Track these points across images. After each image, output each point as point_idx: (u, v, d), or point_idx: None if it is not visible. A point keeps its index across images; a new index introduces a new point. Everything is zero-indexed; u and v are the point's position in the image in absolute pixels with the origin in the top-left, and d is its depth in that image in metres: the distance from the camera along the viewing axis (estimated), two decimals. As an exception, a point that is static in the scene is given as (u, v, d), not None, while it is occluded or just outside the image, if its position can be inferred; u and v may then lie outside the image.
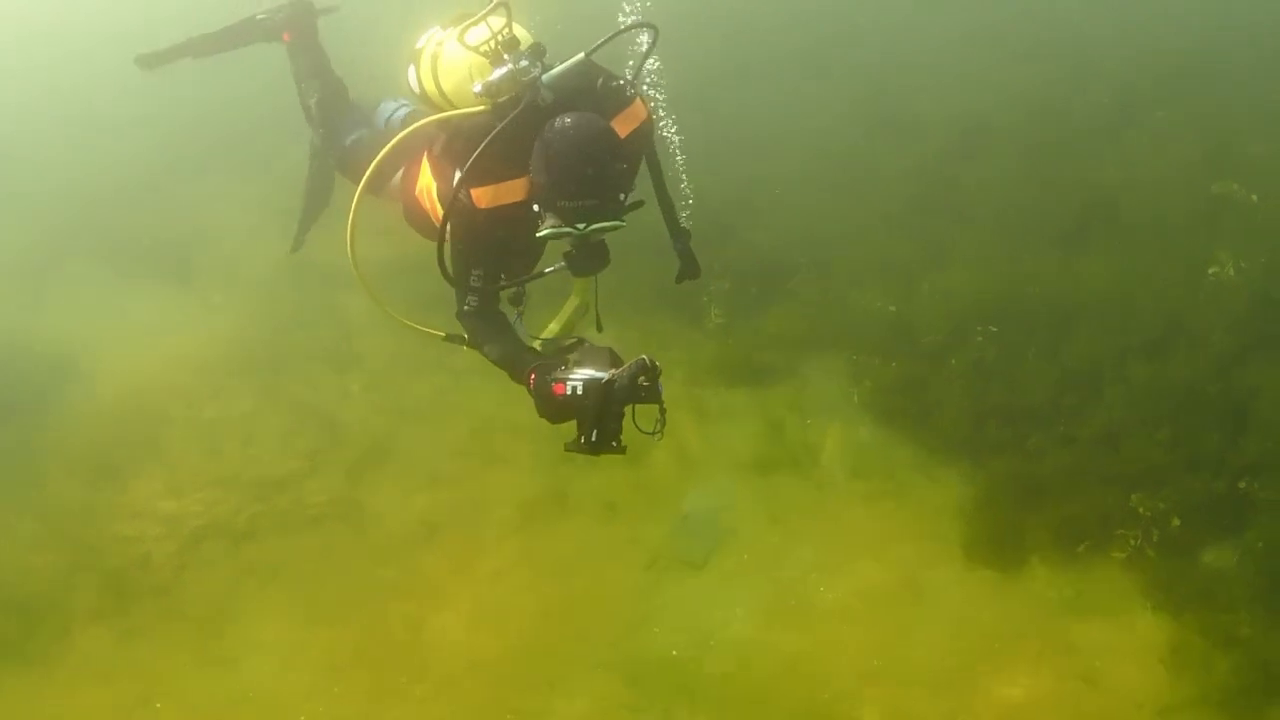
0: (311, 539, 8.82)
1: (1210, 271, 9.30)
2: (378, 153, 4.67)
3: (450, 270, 4.41)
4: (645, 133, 4.62)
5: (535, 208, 4.18)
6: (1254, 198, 9.88)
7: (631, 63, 4.65)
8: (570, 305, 5.20)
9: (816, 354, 10.16)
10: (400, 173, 5.09)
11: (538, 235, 4.19)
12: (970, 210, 11.11)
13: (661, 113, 5.98)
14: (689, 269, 5.21)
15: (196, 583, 8.52)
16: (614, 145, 4.14)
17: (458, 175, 4.26)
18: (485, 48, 4.33)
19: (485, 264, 4.47)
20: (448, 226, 4.34)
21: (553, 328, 5.11)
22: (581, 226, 4.07)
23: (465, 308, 4.55)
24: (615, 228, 4.17)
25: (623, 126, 4.38)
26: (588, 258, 4.25)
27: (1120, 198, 10.53)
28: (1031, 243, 10.43)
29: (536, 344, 4.78)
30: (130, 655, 7.99)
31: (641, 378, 4.04)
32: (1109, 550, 8.13)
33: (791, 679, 7.61)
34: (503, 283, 4.55)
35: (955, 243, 10.74)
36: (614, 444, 4.08)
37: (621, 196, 4.19)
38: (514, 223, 4.29)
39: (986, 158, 11.79)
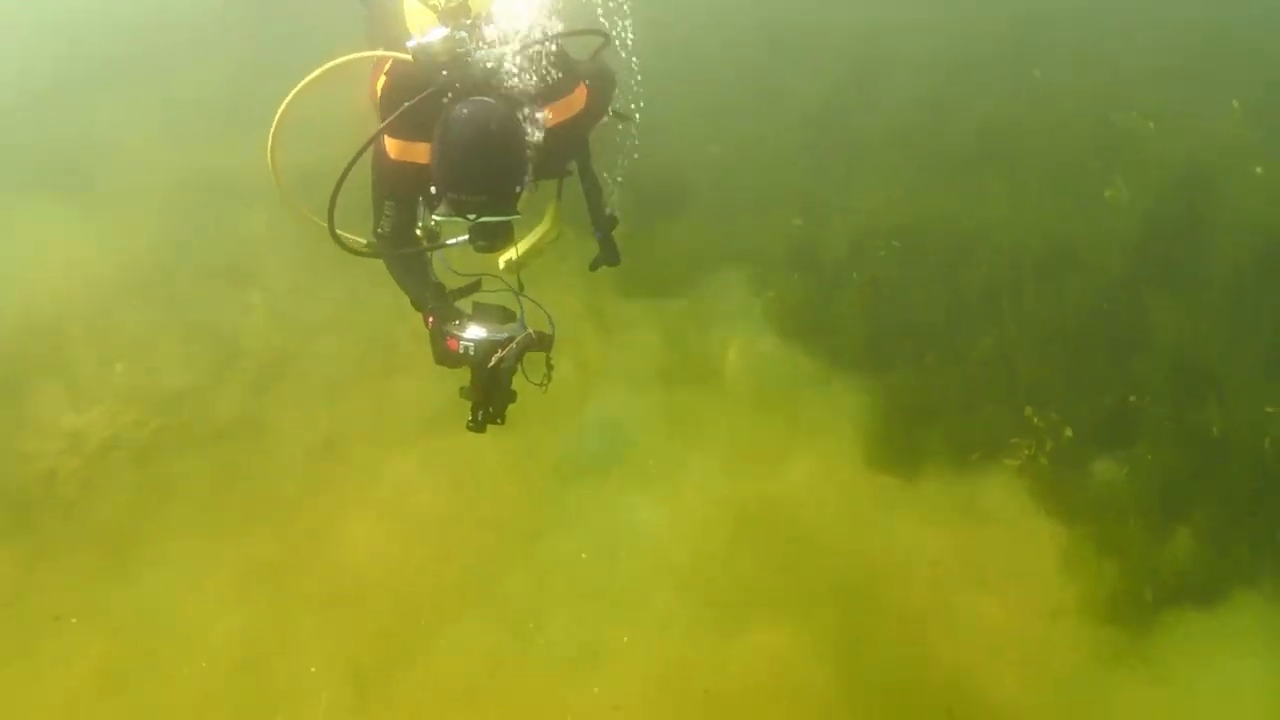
0: (215, 452, 8.87)
1: (1106, 194, 9.67)
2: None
3: (338, 189, 4.27)
4: (581, 121, 4.60)
5: (432, 189, 4.15)
6: (1150, 125, 10.20)
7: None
8: (540, 230, 5.13)
9: (717, 268, 10.35)
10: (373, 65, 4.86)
11: (432, 215, 4.25)
12: (872, 134, 11.26)
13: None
14: (608, 256, 5.27)
15: (102, 498, 8.54)
16: (507, 143, 4.05)
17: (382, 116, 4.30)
18: (436, 4, 4.26)
19: (396, 199, 4.51)
20: (361, 154, 4.29)
21: (520, 248, 4.98)
22: (471, 218, 4.10)
23: (379, 230, 4.58)
24: (505, 222, 4.18)
25: (557, 114, 4.36)
26: (488, 237, 4.25)
27: (1021, 123, 10.77)
28: (933, 166, 10.67)
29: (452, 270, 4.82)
30: (39, 573, 8.05)
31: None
32: (1002, 459, 8.55)
33: (696, 584, 7.93)
34: (408, 247, 4.55)
35: (858, 165, 10.92)
36: (498, 421, 4.43)
37: (517, 189, 4.12)
38: (420, 183, 4.26)
39: (889, 82, 11.90)
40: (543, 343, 4.38)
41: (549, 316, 4.55)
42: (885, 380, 9.15)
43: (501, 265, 4.80)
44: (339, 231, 4.40)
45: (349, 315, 9.88)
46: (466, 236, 4.28)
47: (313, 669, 7.58)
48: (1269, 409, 8.26)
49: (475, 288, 4.62)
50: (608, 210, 5.18)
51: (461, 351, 4.32)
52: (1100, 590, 7.72)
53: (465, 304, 4.54)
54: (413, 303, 4.63)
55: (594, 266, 5.33)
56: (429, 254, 4.65)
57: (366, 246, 4.67)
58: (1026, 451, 8.49)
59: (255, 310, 10.06)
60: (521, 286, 4.69)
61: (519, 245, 4.82)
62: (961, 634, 7.59)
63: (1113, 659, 7.40)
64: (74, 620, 7.78)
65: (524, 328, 4.43)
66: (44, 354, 9.51)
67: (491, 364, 4.29)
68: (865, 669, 7.42)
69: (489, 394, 4.38)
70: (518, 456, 8.62)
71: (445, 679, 7.53)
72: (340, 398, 9.28)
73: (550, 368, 4.48)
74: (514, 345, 4.30)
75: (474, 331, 4.36)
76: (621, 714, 7.30)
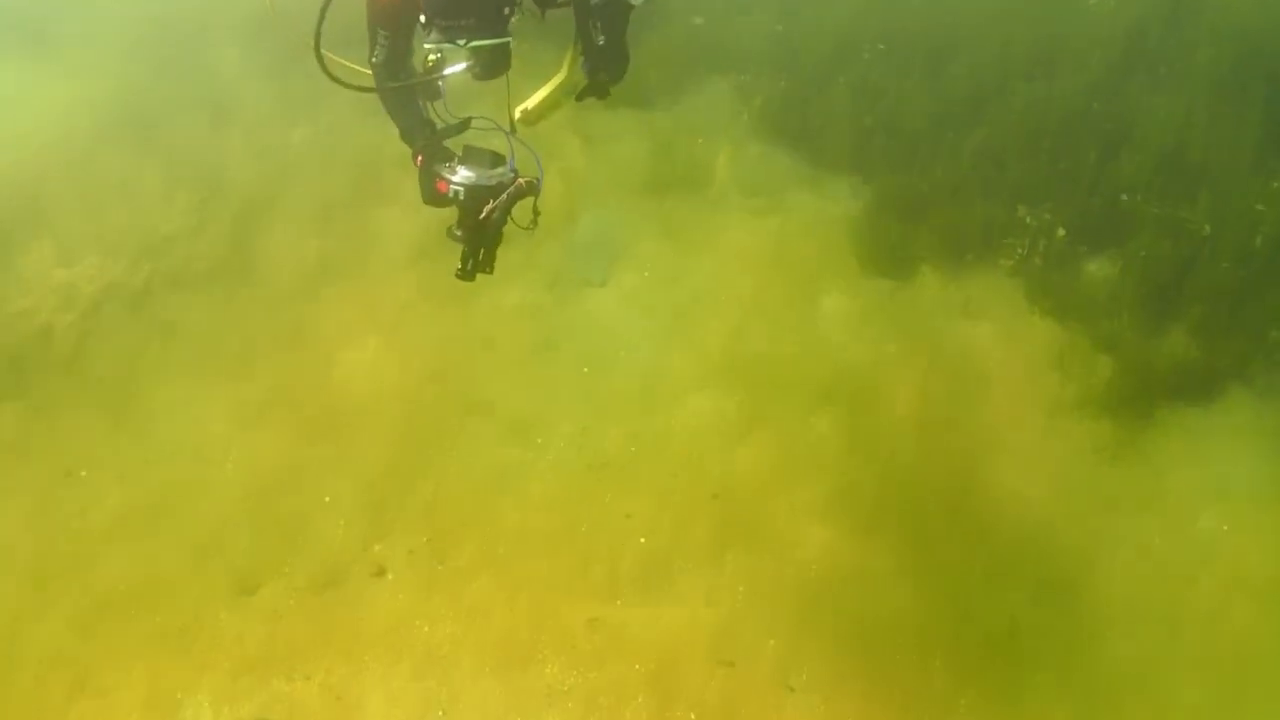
0: (208, 292, 8.83)
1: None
2: None
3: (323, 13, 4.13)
4: None
5: (422, 19, 4.02)
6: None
7: None
8: (555, 81, 5.00)
9: (703, 76, 10.04)
10: None
11: (425, 46, 4.08)
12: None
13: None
14: (595, 90, 5.03)
15: (100, 349, 8.55)
16: None
17: None
18: None
19: (389, 29, 4.37)
20: None
21: (536, 98, 4.94)
22: (462, 43, 3.96)
23: (373, 59, 4.47)
24: (498, 45, 4.02)
25: None
26: (484, 63, 4.09)
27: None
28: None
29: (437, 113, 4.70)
30: (44, 430, 8.09)
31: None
32: (997, 259, 8.43)
33: (698, 390, 7.90)
34: (404, 79, 4.45)
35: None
36: (488, 270, 4.42)
37: (506, 10, 4.00)
38: (411, 11, 4.11)
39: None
40: (531, 189, 4.33)
41: (538, 160, 4.45)
42: (875, 183, 8.97)
43: (517, 116, 4.71)
44: (325, 52, 4.22)
45: (331, 146, 9.69)
46: (464, 65, 4.12)
47: (327, 498, 7.63)
48: (1260, 206, 8.12)
49: (465, 127, 4.50)
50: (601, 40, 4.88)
51: (450, 194, 4.29)
52: (1096, 387, 7.69)
53: (456, 145, 4.45)
54: (403, 138, 4.54)
55: (580, 98, 5.10)
56: (421, 91, 4.51)
57: (356, 76, 4.52)
58: (1020, 251, 8.41)
59: (235, 147, 9.84)
60: (513, 128, 4.55)
61: (534, 96, 4.81)
62: (960, 431, 7.59)
63: (1111, 453, 7.41)
64: (84, 473, 7.84)
65: (513, 171, 4.35)
66: (28, 211, 9.41)
67: (483, 215, 4.24)
68: (866, 468, 7.43)
69: (479, 244, 4.34)
70: (512, 272, 8.46)
71: (458, 497, 7.58)
72: (329, 229, 9.17)
73: (538, 212, 4.42)
74: (504, 197, 4.25)
75: (464, 174, 4.31)
76: (634, 521, 7.35)
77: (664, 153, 9.45)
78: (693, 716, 6.44)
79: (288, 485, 7.72)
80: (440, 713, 6.57)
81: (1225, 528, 7.02)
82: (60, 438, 8.03)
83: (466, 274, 4.43)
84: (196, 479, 7.78)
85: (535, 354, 8.23)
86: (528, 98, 4.90)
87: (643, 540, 7.29)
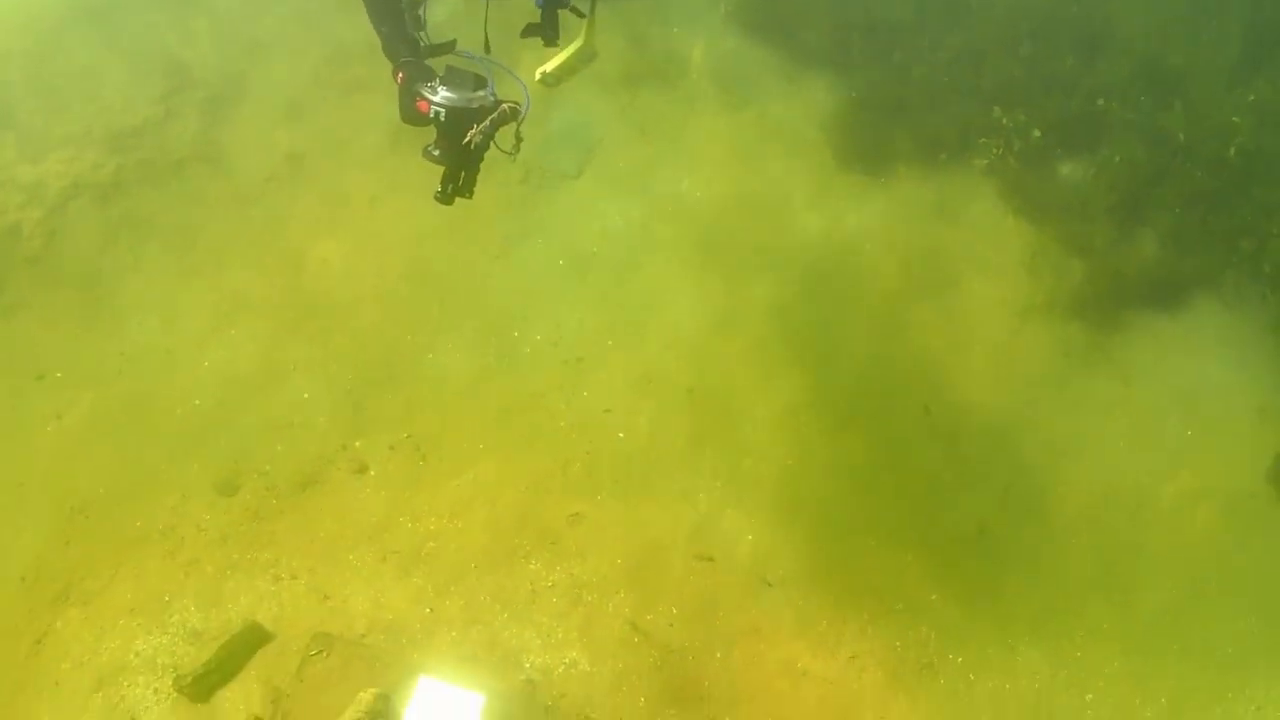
0: (177, 186, 8.63)
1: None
2: None
3: None
4: None
5: None
6: None
7: None
8: (574, 47, 4.96)
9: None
10: None
11: None
12: None
13: None
14: (544, 30, 4.81)
15: (69, 247, 8.36)
16: None
17: None
18: None
19: None
20: None
21: (556, 61, 4.92)
22: None
23: None
24: None
25: None
26: None
27: None
28: None
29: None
30: (13, 330, 7.95)
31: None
32: (971, 159, 8.37)
33: (672, 283, 7.88)
34: None
35: None
36: (467, 195, 4.33)
37: None
38: None
39: None
40: (514, 114, 4.20)
41: (523, 87, 4.36)
42: (852, 78, 8.84)
43: (537, 78, 4.73)
44: None
45: (299, 34, 9.41)
46: None
47: (305, 395, 7.59)
48: (1235, 118, 8.08)
49: (449, 49, 4.41)
50: None
51: (431, 115, 4.15)
52: (1067, 290, 7.74)
53: (438, 65, 4.31)
54: (385, 51, 4.37)
55: (524, 34, 4.87)
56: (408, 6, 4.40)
57: None
58: (995, 151, 8.35)
59: (201, 35, 9.53)
60: (488, 49, 4.45)
61: (553, 60, 4.82)
62: (933, 331, 7.65)
63: (1080, 357, 7.52)
64: (59, 374, 7.73)
65: (493, 95, 4.21)
66: (-14, 107, 9.09)
67: (465, 140, 4.12)
68: (839, 363, 7.48)
69: (459, 167, 4.23)
70: (485, 166, 8.26)
71: (436, 394, 7.57)
72: (298, 119, 8.97)
73: (520, 138, 4.28)
74: (488, 123, 4.12)
75: (445, 95, 4.16)
76: (612, 417, 7.40)
77: (639, 45, 9.24)
78: (674, 610, 6.56)
79: (265, 384, 7.66)
80: (428, 609, 6.61)
81: (1190, 433, 7.19)
82: (30, 340, 7.90)
83: (445, 197, 4.33)
84: (172, 380, 7.69)
85: (511, 247, 8.14)
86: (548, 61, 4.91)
87: (621, 436, 7.36)
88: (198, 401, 7.58)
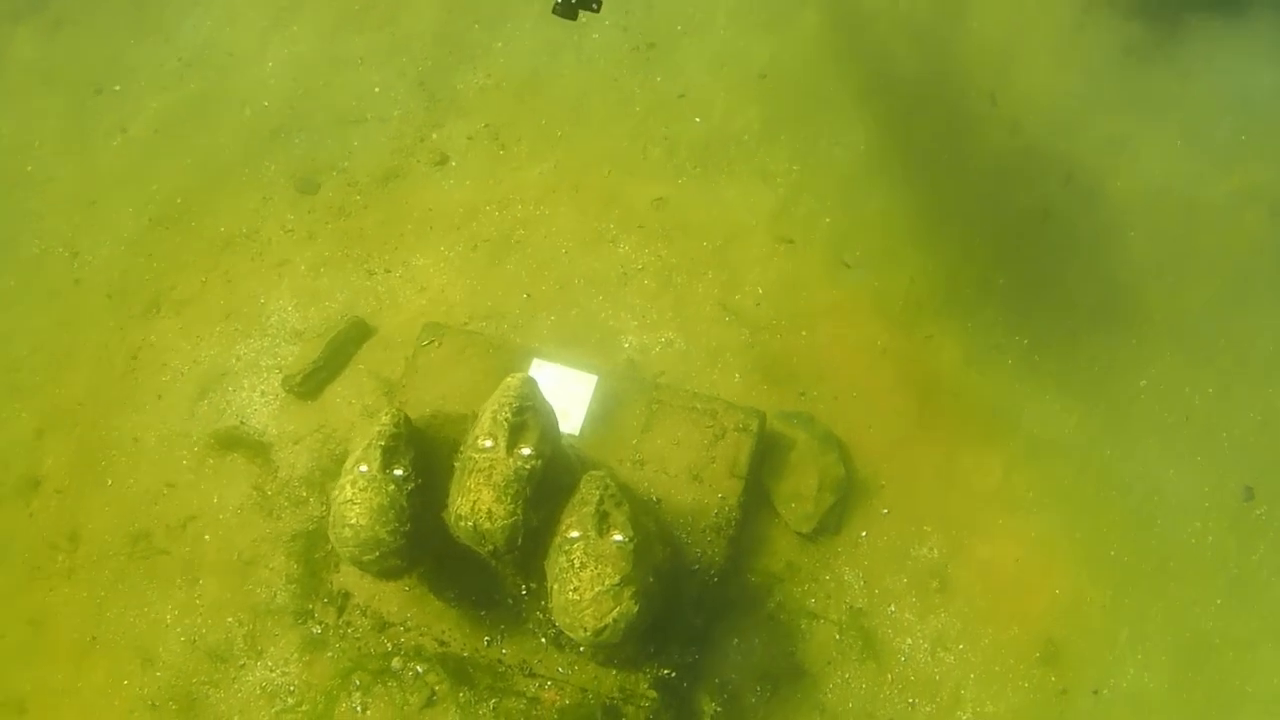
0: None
1: None
2: None
3: None
4: None
5: None
6: None
7: None
8: None
9: None
10: None
11: None
12: None
13: None
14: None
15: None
16: None
17: None
18: None
19: None
20: None
21: None
22: None
23: None
24: None
25: None
26: None
27: None
28: None
29: None
30: (61, 46, 7.61)
31: None
32: None
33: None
34: None
35: None
36: (594, 7, 4.38)
37: None
38: None
39: None
40: None
41: None
42: None
43: None
44: None
45: None
46: None
47: (376, 88, 7.29)
48: None
49: None
50: None
51: None
52: None
53: None
54: None
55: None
56: None
57: None
58: None
59: None
60: None
61: None
62: (997, 23, 7.40)
63: (1140, 55, 7.27)
64: (117, 87, 7.43)
65: None
66: None
67: None
68: (907, 53, 7.33)
69: None
70: None
71: (510, 81, 7.30)
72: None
73: None
74: None
75: None
76: (686, 102, 7.19)
77: None
78: (760, 290, 6.50)
79: (333, 79, 7.34)
80: (525, 295, 6.47)
81: (1243, 138, 7.04)
82: (80, 54, 7.55)
83: (568, 9, 3.96)
84: (236, 82, 7.37)
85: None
86: None
87: (698, 120, 7.14)
88: (266, 103, 7.27)
